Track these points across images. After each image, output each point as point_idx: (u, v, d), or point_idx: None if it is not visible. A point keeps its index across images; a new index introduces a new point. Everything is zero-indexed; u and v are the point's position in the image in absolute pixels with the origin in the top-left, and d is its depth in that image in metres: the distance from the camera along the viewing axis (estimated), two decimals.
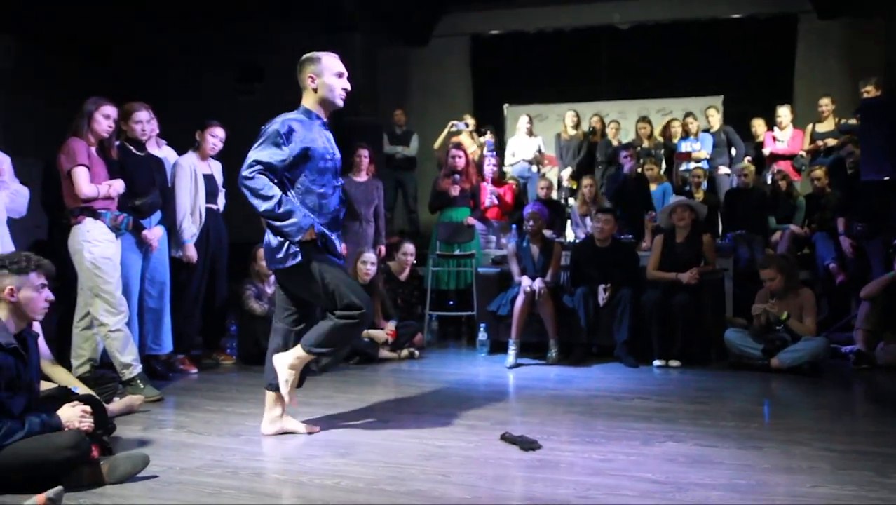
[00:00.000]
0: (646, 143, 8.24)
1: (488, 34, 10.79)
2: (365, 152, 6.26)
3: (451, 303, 6.48)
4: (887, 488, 2.74)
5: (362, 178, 6.23)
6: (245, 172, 3.16)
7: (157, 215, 4.53)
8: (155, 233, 4.43)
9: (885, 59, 8.07)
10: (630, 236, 6.39)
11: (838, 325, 6.05)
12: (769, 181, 7.64)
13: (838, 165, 7.11)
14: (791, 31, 9.85)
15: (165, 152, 4.96)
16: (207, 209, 4.99)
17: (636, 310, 5.18)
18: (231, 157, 5.91)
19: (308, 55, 3.34)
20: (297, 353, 3.27)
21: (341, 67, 3.35)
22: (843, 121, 7.64)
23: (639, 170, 7.70)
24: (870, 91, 7.22)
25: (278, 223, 3.16)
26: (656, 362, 5.09)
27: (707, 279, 5.30)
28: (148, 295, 4.48)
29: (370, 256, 5.42)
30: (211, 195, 5.05)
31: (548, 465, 2.99)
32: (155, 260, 4.49)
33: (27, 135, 7.37)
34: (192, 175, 4.90)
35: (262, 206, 3.15)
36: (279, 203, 3.14)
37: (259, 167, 3.14)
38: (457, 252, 6.24)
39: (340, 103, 3.37)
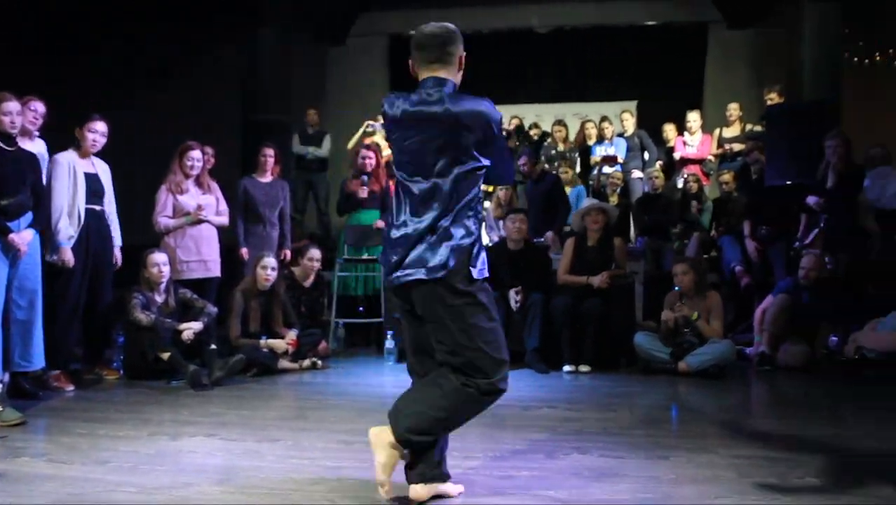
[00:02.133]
0: (561, 147, 8.22)
1: (408, 34, 10.55)
2: (270, 152, 5.96)
3: (361, 309, 6.22)
4: (789, 496, 2.67)
5: (267, 178, 5.92)
6: None
7: (28, 217, 4.10)
8: (23, 237, 3.99)
9: (787, 68, 8.31)
10: (543, 239, 6.31)
11: (742, 327, 6.13)
12: (680, 185, 7.74)
13: (745, 170, 7.25)
14: (702, 40, 10.11)
15: (39, 147, 4.52)
16: (90, 210, 4.59)
17: (547, 315, 5.08)
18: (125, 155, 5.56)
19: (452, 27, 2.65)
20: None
21: None
22: (749, 126, 7.83)
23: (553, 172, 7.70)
24: (773, 98, 7.41)
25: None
26: (566, 368, 5.00)
27: (618, 283, 5.25)
28: (15, 305, 4.02)
29: (270, 260, 5.11)
30: (94, 195, 4.65)
31: None
32: (24, 266, 4.05)
33: None
34: (70, 173, 4.50)
35: None
36: None
37: None
38: (365, 256, 5.99)
39: None
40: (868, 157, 5.71)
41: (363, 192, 6.02)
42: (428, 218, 2.41)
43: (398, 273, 2.45)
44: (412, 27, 10.43)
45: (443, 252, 2.38)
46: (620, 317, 5.20)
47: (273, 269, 5.08)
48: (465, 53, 2.61)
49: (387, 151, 7.93)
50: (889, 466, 3.00)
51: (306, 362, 5.10)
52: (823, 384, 4.72)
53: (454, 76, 2.56)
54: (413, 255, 2.41)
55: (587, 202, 5.65)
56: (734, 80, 9.79)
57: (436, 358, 2.54)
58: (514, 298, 5.17)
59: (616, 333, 5.13)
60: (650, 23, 10.18)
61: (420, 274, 2.39)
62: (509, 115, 9.25)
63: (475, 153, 2.45)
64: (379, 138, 8.17)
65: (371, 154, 6.12)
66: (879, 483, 2.76)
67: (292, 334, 5.06)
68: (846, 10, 7.81)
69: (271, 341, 4.97)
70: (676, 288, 5.07)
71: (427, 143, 2.42)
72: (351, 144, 8.11)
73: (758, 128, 7.69)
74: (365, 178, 6.05)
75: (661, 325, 5.03)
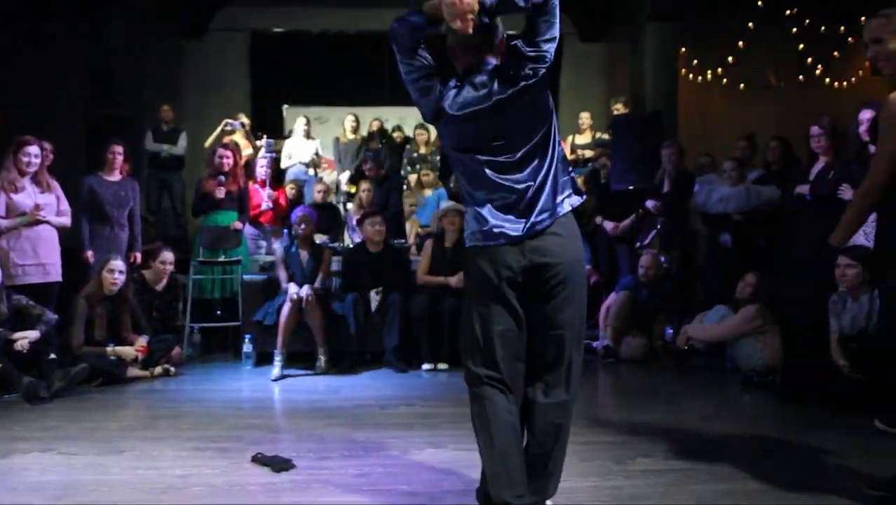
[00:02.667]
0: (423, 150, 8.36)
1: (270, 31, 10.38)
2: (119, 149, 5.63)
3: (218, 313, 6.02)
4: (622, 476, 2.92)
5: (115, 177, 5.60)
6: None
7: None
8: None
9: (631, 80, 8.95)
10: (402, 241, 6.40)
11: (590, 323, 6.53)
12: None
13: (594, 175, 7.71)
14: (557, 51, 10.55)
15: None
16: None
17: (406, 315, 5.17)
18: None
19: None
20: None
21: None
22: (598, 134, 8.33)
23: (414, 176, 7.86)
24: (619, 108, 7.94)
25: None
26: (425, 366, 5.11)
27: None
28: None
29: (118, 263, 4.85)
30: None
31: (299, 486, 2.80)
32: None
33: None
34: None
35: None
36: None
37: None
38: (222, 258, 5.82)
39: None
40: (698, 165, 6.26)
41: (220, 193, 5.85)
42: None
43: None
44: (275, 24, 10.20)
45: None
46: None
47: (120, 272, 4.82)
48: None
49: (247, 151, 7.77)
50: (716, 444, 3.34)
51: (158, 369, 4.88)
52: (660, 374, 5.13)
53: None
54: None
55: (446, 204, 5.78)
56: (587, 89, 10.35)
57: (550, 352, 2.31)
58: (374, 299, 5.22)
59: None
60: (509, 32, 10.53)
61: None
62: (370, 118, 9.32)
63: None
64: (238, 137, 7.97)
65: (229, 153, 5.95)
66: (706, 459, 3.07)
67: (142, 341, 4.83)
68: (683, 31, 8.50)
69: (119, 349, 4.71)
70: None
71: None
72: (208, 143, 7.83)
73: (606, 136, 8.19)
74: (222, 178, 5.88)
75: None
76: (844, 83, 10.27)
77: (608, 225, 6.59)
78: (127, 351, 4.74)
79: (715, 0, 8.93)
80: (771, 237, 5.55)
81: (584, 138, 8.34)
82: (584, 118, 8.38)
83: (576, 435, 3.42)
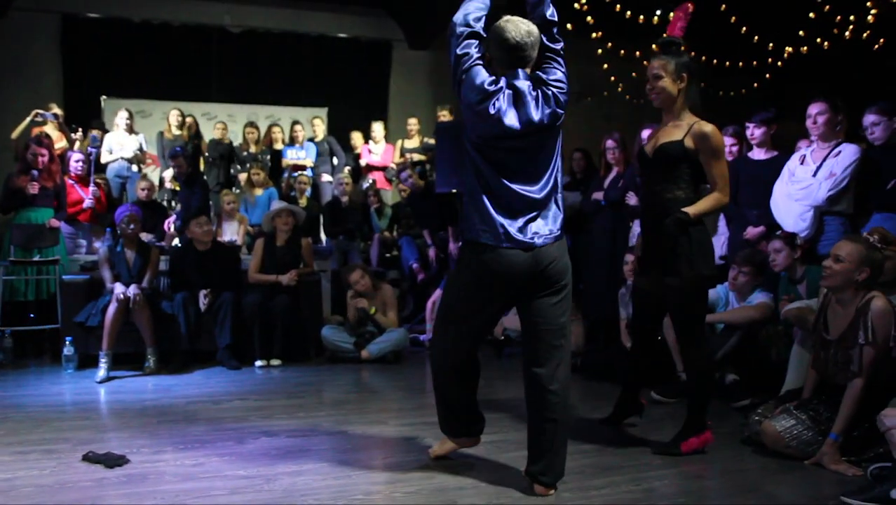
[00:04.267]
0: (253, 148, 8.35)
1: (84, 16, 9.78)
2: None
3: (32, 316, 5.68)
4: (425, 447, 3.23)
5: None
6: None
7: None
8: None
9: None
10: (235, 239, 6.41)
11: (420, 317, 6.93)
12: (364, 188, 8.38)
13: (421, 177, 8.13)
14: (387, 57, 10.96)
15: None
16: None
17: (238, 313, 5.24)
18: None
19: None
20: None
21: None
22: (425, 139, 8.76)
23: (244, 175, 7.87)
24: (445, 115, 8.41)
25: None
26: (258, 363, 5.21)
27: (305, 280, 5.60)
28: None
29: None
30: None
31: (134, 479, 2.87)
32: None
33: None
34: None
35: None
36: None
37: None
38: (37, 258, 5.51)
39: None
40: None
41: (33, 189, 5.54)
42: None
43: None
44: (90, 9, 9.68)
45: None
46: (309, 312, 5.56)
47: None
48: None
49: (60, 143, 7.33)
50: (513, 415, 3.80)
51: None
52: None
53: None
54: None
55: (277, 204, 5.88)
56: (415, 95, 10.81)
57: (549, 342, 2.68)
58: (202, 300, 5.23)
59: (305, 328, 5.48)
60: (341, 35, 10.75)
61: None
62: (200, 113, 9.14)
63: None
64: (50, 129, 7.49)
65: (44, 151, 5.64)
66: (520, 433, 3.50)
67: None
68: None
69: None
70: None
71: None
72: (15, 134, 7.29)
73: (431, 141, 8.64)
74: (35, 173, 5.57)
75: (347, 319, 5.51)
76: (641, 100, 11.56)
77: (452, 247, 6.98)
78: None
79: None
80: (572, 235, 6.24)
81: (412, 143, 8.74)
82: (412, 123, 8.78)
83: (403, 418, 3.81)
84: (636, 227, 5.14)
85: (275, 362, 5.24)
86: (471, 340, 2.87)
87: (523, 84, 2.58)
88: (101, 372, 4.70)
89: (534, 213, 2.62)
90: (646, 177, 3.17)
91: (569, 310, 2.73)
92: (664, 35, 3.22)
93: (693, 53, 3.35)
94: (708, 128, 3.01)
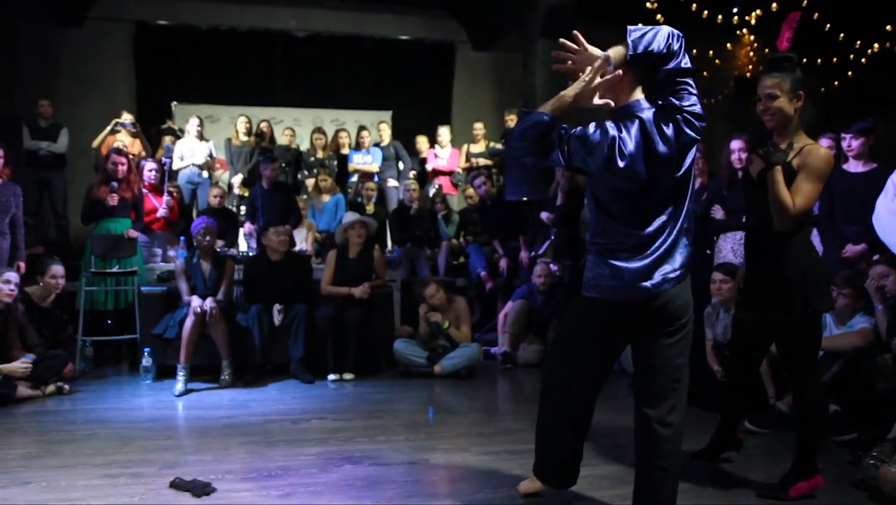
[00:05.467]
0: (320, 154, 8.36)
1: (155, 23, 9.98)
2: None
3: (110, 322, 5.79)
4: (513, 480, 3.11)
5: None
6: None
7: None
8: None
9: (522, 91, 9.31)
10: (303, 248, 6.41)
11: (488, 326, 6.82)
12: (430, 194, 8.30)
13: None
14: (450, 58, 10.86)
15: None
16: None
17: (311, 326, 5.22)
18: None
19: None
20: None
21: None
22: (492, 144, 8.63)
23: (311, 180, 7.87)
24: (513, 119, 8.26)
25: None
26: (331, 377, 5.18)
27: (378, 292, 5.55)
28: None
29: (12, 274, 4.59)
30: None
31: None
32: None
33: None
34: None
35: None
36: None
37: None
38: (116, 269, 5.60)
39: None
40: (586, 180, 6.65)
41: (113, 200, 5.63)
42: None
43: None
44: (161, 17, 9.82)
45: None
46: (381, 325, 5.51)
47: (16, 284, 4.57)
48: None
49: (135, 149, 7.46)
50: (614, 447, 3.64)
51: (50, 388, 4.65)
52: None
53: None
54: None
55: (349, 216, 5.81)
56: (479, 97, 10.69)
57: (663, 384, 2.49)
58: (277, 315, 5.23)
59: (377, 340, 5.43)
60: (403, 37, 10.69)
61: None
62: (263, 118, 9.20)
63: None
64: (124, 136, 7.65)
65: (123, 160, 5.73)
66: (607, 460, 3.35)
67: (29, 358, 4.57)
68: None
69: (6, 366, 4.45)
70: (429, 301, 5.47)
71: None
72: (96, 143, 7.46)
73: (499, 145, 8.51)
74: (115, 184, 5.66)
75: (418, 331, 5.44)
76: (713, 100, 11.16)
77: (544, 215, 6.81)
78: (14, 368, 4.48)
79: (600, 20, 9.47)
80: None
81: (478, 147, 8.63)
82: (478, 128, 8.66)
83: (483, 445, 3.69)
84: (723, 243, 4.91)
85: (347, 376, 5.21)
86: (591, 388, 2.73)
87: (648, 114, 2.35)
88: (179, 385, 4.74)
89: (662, 254, 2.41)
90: (751, 202, 2.94)
91: (688, 349, 2.54)
92: (775, 50, 2.97)
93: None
94: (821, 150, 2.79)
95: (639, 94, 2.39)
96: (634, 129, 2.32)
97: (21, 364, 4.50)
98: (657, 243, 2.40)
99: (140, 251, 5.89)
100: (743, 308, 3.03)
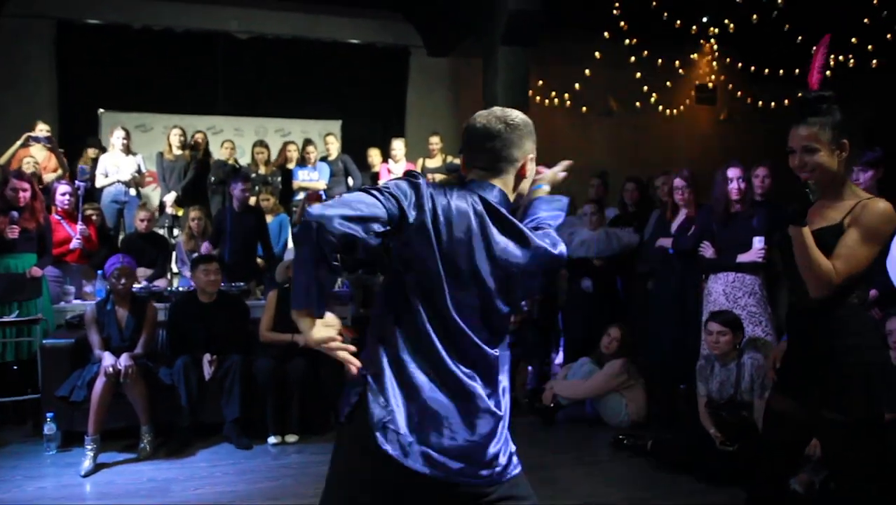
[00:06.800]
0: (262, 170, 7.62)
1: (81, 21, 9.06)
2: None
3: (15, 368, 4.96)
4: None
5: None
6: None
7: None
8: None
9: (482, 99, 8.74)
10: (242, 284, 5.68)
11: None
12: None
13: None
14: (404, 65, 10.22)
15: None
16: None
17: (247, 380, 4.52)
18: None
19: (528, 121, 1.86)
20: None
21: None
22: (449, 158, 8.02)
23: (253, 199, 7.08)
24: None
25: None
26: (271, 440, 4.49)
27: None
28: None
29: None
30: None
31: None
32: None
33: None
34: None
35: None
36: None
37: None
38: (15, 315, 4.77)
39: None
40: None
41: (13, 233, 4.81)
42: None
43: None
44: (87, 15, 8.82)
45: None
46: (328, 376, 4.82)
47: None
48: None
49: (49, 176, 6.61)
50: None
51: None
52: (526, 431, 4.82)
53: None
54: None
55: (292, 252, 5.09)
56: (435, 105, 10.08)
57: None
58: (207, 367, 4.52)
59: (325, 395, 4.74)
60: (354, 41, 10.01)
61: None
62: (204, 126, 8.42)
63: None
64: (37, 151, 6.78)
65: (25, 184, 4.90)
66: None
67: None
68: (534, 55, 8.42)
69: None
70: None
71: None
72: (4, 160, 6.56)
73: (457, 160, 7.91)
74: (15, 214, 4.85)
75: None
76: (675, 111, 10.81)
77: None
78: None
79: (563, 27, 8.99)
80: (627, 279, 5.52)
81: (434, 162, 8.00)
82: (434, 142, 8.03)
83: None
84: (713, 284, 4.38)
85: (290, 439, 4.52)
86: None
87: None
88: (87, 463, 3.96)
89: None
90: (793, 268, 2.33)
91: None
92: (807, 91, 2.36)
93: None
94: (880, 204, 2.22)
95: None
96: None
97: None
98: None
99: (47, 291, 5.07)
100: (780, 395, 2.42)
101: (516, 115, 1.84)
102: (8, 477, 3.93)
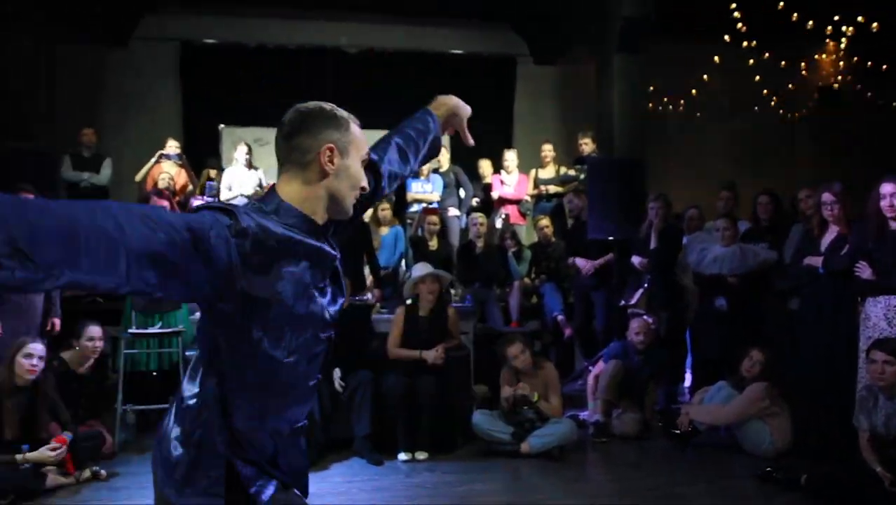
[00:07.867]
0: None
1: (201, 42, 9.49)
2: (29, 196, 4.77)
3: (154, 374, 5.17)
4: None
5: None
6: None
7: None
8: None
9: (595, 108, 8.54)
10: (368, 297, 5.73)
11: (568, 379, 6.07)
12: (497, 225, 7.59)
13: (559, 212, 7.26)
14: (510, 74, 10.14)
15: None
16: None
17: (378, 397, 4.54)
18: None
19: (325, 108, 1.56)
20: None
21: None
22: (563, 169, 7.86)
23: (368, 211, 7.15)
24: (587, 143, 7.50)
25: None
26: (401, 456, 4.49)
27: (452, 356, 4.83)
28: None
29: (36, 347, 3.99)
30: None
31: None
32: None
33: None
34: None
35: None
36: None
37: None
38: (158, 326, 4.98)
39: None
40: (687, 219, 5.88)
41: None
42: None
43: None
44: (207, 35, 9.20)
45: None
46: (456, 393, 4.80)
47: (39, 358, 3.98)
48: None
49: (183, 182, 6.92)
50: None
51: (85, 473, 4.04)
52: (658, 457, 4.64)
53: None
54: None
55: (423, 269, 5.04)
56: (543, 114, 9.95)
57: None
58: (338, 380, 4.57)
59: (453, 411, 4.71)
60: (460, 51, 10.03)
61: None
62: None
63: None
64: (170, 167, 7.11)
65: (164, 203, 5.16)
66: None
67: (64, 436, 3.97)
68: (650, 63, 8.19)
69: (33, 455, 3.87)
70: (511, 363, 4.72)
71: None
72: (139, 177, 6.92)
73: (571, 171, 7.75)
74: None
75: (500, 401, 4.70)
76: (796, 114, 10.25)
77: (582, 263, 6.16)
78: (44, 455, 3.89)
79: (681, 32, 8.69)
80: (765, 301, 5.22)
81: (547, 173, 7.88)
82: (547, 150, 7.90)
83: None
84: (871, 308, 4.06)
85: (420, 456, 4.51)
86: None
87: None
88: None
89: None
90: None
91: None
92: None
93: None
94: None
95: None
96: None
97: (52, 451, 3.90)
98: None
99: (185, 305, 5.28)
100: None
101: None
102: (146, 483, 4.07)
